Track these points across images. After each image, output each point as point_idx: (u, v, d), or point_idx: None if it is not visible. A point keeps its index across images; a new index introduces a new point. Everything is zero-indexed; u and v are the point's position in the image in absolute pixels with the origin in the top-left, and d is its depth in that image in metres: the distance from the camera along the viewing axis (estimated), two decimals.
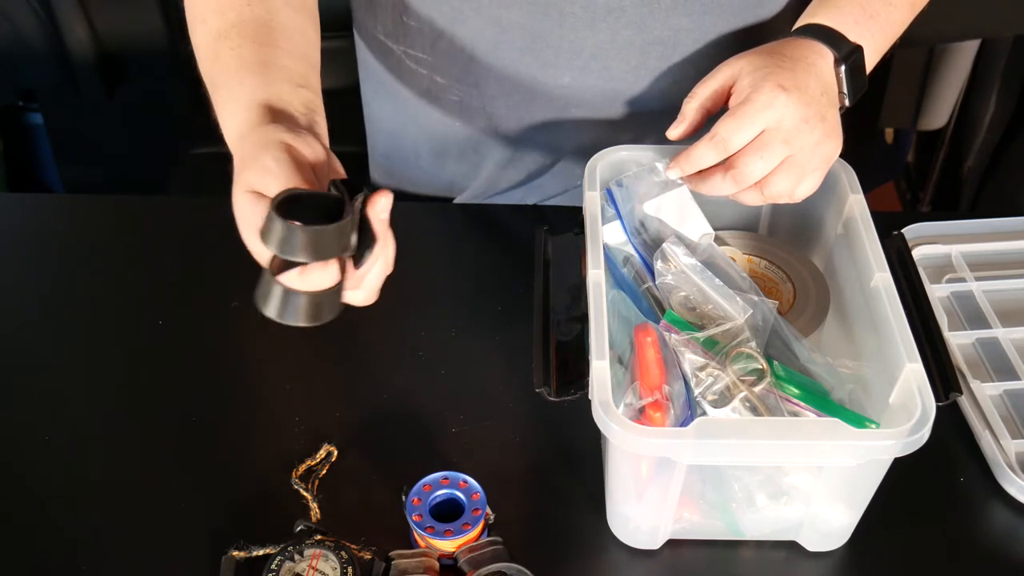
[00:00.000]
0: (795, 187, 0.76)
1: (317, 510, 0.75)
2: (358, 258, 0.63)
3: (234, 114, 0.71)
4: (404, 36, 0.95)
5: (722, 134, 0.74)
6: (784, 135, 0.73)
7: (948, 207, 1.89)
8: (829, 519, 0.72)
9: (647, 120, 0.95)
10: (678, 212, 0.82)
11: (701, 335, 0.72)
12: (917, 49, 1.72)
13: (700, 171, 0.77)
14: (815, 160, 0.75)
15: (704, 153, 0.75)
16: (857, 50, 0.79)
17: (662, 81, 0.92)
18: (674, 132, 0.80)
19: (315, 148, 0.67)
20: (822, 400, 0.70)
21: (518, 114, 0.97)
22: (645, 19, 0.88)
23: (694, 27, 0.89)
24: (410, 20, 0.93)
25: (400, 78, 1.00)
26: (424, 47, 0.95)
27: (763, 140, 0.73)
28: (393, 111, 1.05)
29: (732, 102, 0.76)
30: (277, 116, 0.70)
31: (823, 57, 0.78)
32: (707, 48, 0.90)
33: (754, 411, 0.69)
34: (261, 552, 0.71)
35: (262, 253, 0.64)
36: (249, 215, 0.65)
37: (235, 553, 0.71)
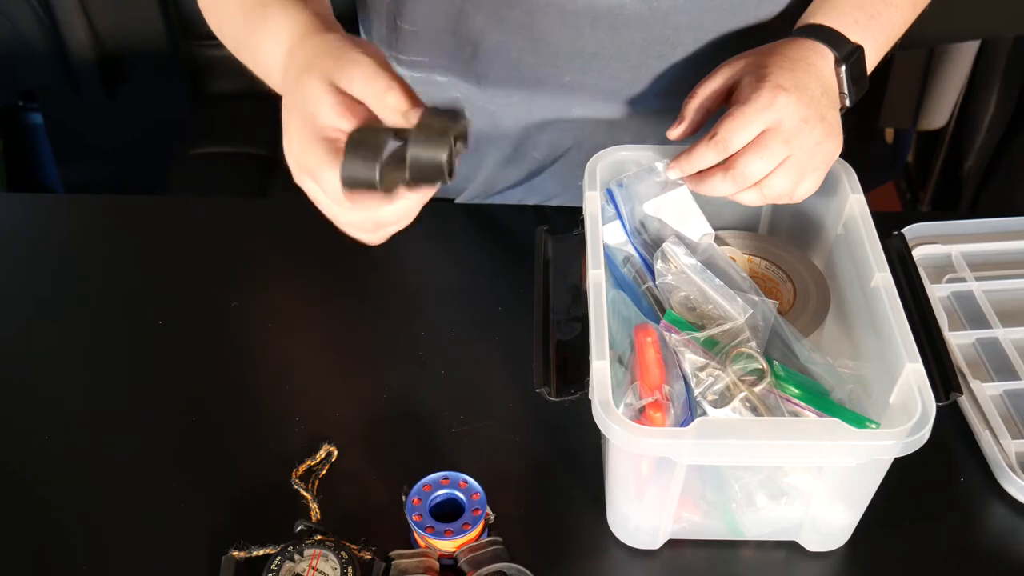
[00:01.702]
0: (795, 187, 0.76)
1: (317, 510, 0.75)
2: None
3: (279, 30, 0.71)
4: (396, 41, 0.95)
5: (722, 134, 0.74)
6: (784, 135, 0.73)
7: (948, 207, 1.89)
8: (829, 519, 0.72)
9: (647, 119, 0.95)
10: (678, 212, 0.82)
11: (701, 335, 0.72)
12: (917, 49, 1.72)
13: (700, 171, 0.77)
14: (815, 160, 0.75)
15: (704, 153, 0.75)
16: (858, 50, 0.79)
17: (662, 80, 0.92)
18: (674, 132, 0.80)
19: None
20: (822, 400, 0.70)
21: (519, 113, 0.97)
22: (645, 18, 0.87)
23: (694, 26, 0.89)
24: (404, 23, 0.93)
25: None
26: (420, 49, 0.94)
27: (763, 140, 0.73)
28: None
29: (732, 102, 0.76)
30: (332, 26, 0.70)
31: (823, 57, 0.78)
32: (707, 47, 0.90)
33: (754, 411, 0.69)
34: (261, 552, 0.71)
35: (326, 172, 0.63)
36: (326, 107, 0.63)
37: (235, 553, 0.71)
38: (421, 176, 0.61)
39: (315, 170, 0.65)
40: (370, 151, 0.61)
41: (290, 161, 0.68)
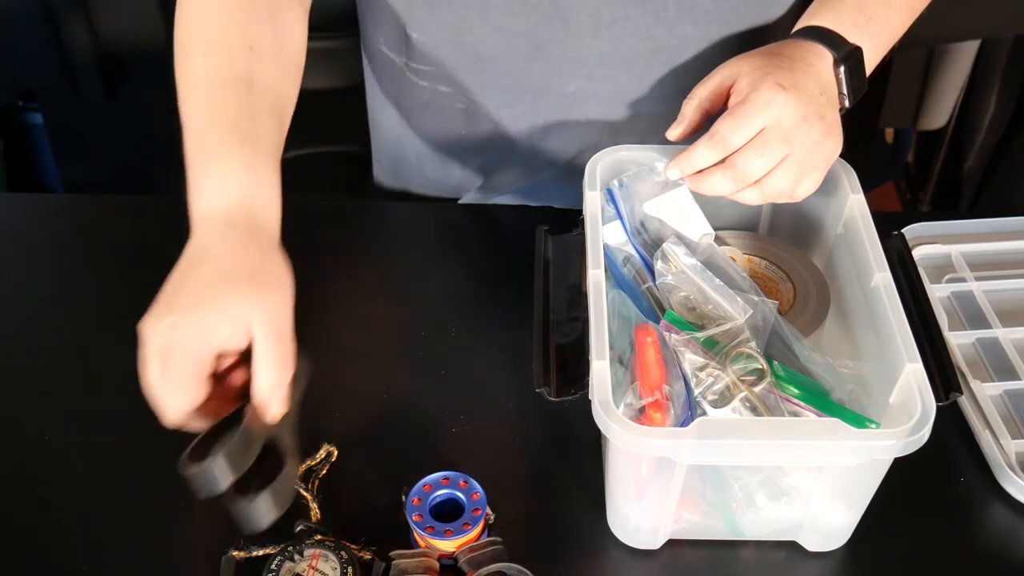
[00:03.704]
0: (795, 186, 0.76)
1: (317, 510, 0.75)
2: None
3: (218, 189, 0.73)
4: (407, 49, 0.95)
5: (721, 133, 0.74)
6: (783, 133, 0.73)
7: (948, 207, 1.89)
8: (829, 519, 0.72)
9: (651, 122, 0.95)
10: (678, 212, 0.82)
11: (701, 335, 0.72)
12: (917, 49, 1.72)
13: (700, 171, 0.77)
14: (815, 159, 0.75)
15: (703, 152, 0.75)
16: (856, 51, 0.79)
17: (667, 87, 0.92)
18: (673, 133, 0.80)
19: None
20: (822, 400, 0.70)
21: (523, 120, 0.97)
22: (651, 28, 0.87)
23: (699, 35, 0.89)
24: (413, 32, 0.93)
25: (401, 90, 1.00)
26: (428, 58, 0.95)
27: (762, 138, 0.73)
28: (395, 121, 1.05)
29: (731, 102, 0.76)
30: (257, 222, 0.72)
31: (822, 58, 0.78)
32: (712, 55, 0.90)
33: (754, 411, 0.69)
34: (261, 552, 0.71)
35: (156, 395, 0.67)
36: (194, 356, 0.65)
37: (235, 553, 0.71)
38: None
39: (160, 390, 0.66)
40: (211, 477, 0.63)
41: (157, 330, 0.68)
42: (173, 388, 0.65)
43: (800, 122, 0.74)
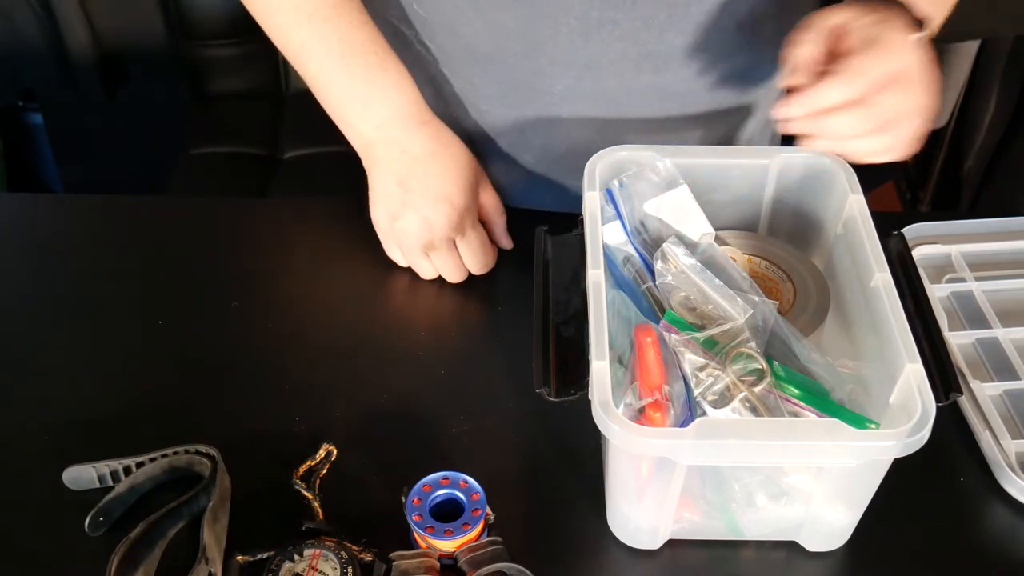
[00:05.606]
0: (909, 141, 0.73)
1: (320, 510, 0.75)
2: None
3: (395, 95, 0.89)
4: (414, 22, 0.95)
5: (857, 67, 0.71)
6: (919, 77, 0.71)
7: (948, 207, 1.90)
8: (829, 519, 0.72)
9: (639, 125, 0.95)
10: (678, 212, 0.82)
11: (701, 335, 0.72)
12: None
13: (823, 109, 0.73)
14: (926, 110, 0.74)
15: (835, 87, 0.71)
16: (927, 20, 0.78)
17: (655, 92, 0.92)
18: (792, 79, 0.75)
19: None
20: (822, 400, 0.70)
21: (511, 113, 0.97)
22: (639, 33, 0.87)
23: (689, 44, 0.89)
24: (420, 8, 0.93)
25: (409, 64, 1.00)
26: (430, 37, 0.95)
27: (902, 80, 0.71)
28: None
29: (850, 47, 0.73)
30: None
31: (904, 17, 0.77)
32: (700, 64, 0.90)
33: (754, 411, 0.69)
34: (265, 555, 0.71)
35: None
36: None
37: (239, 557, 0.71)
38: None
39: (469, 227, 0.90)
40: None
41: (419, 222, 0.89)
42: (483, 246, 0.92)
43: (928, 69, 0.71)
